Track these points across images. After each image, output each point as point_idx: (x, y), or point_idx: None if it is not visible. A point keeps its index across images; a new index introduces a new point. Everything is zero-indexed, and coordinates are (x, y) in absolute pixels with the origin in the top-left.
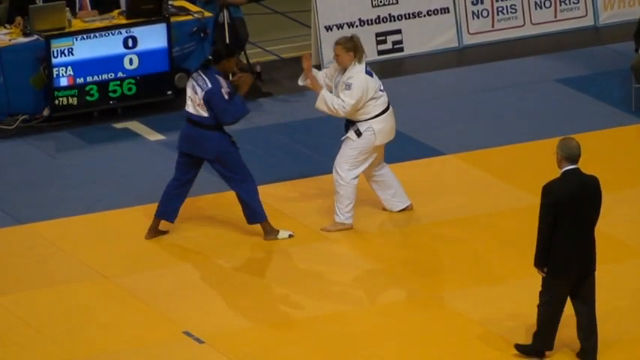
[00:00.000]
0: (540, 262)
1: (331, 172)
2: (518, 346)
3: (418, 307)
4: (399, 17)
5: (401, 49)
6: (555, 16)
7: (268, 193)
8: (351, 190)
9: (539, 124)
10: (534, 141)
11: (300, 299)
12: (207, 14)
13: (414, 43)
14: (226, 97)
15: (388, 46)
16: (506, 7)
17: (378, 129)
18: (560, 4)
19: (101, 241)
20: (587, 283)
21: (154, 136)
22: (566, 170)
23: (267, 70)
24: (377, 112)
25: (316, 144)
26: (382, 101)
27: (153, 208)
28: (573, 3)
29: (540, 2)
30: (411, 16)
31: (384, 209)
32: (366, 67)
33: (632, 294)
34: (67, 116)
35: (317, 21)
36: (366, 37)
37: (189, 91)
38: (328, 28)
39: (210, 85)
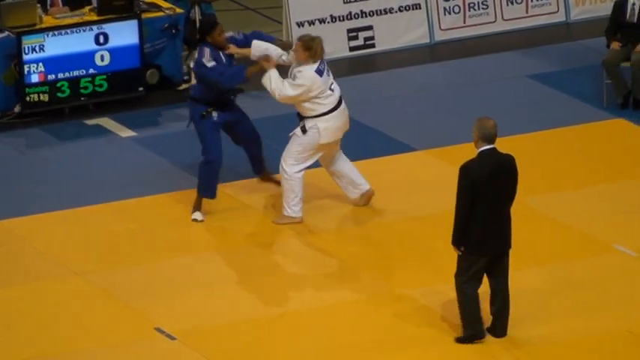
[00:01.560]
0: (458, 240)
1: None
2: (458, 339)
3: (372, 304)
4: (371, 13)
5: (372, 45)
6: (527, 12)
7: (239, 188)
8: (296, 184)
9: (510, 120)
10: (506, 137)
11: (268, 297)
12: (179, 11)
13: (385, 39)
14: (208, 65)
15: (360, 42)
16: (478, 3)
17: (323, 127)
18: (532, 0)
19: (73, 238)
20: (502, 261)
21: (126, 133)
22: (483, 150)
23: None
24: (323, 111)
25: (286, 140)
26: (330, 101)
27: (125, 204)
28: None
29: None
30: (383, 12)
31: (353, 203)
32: (319, 65)
33: (600, 289)
34: (38, 113)
35: (288, 17)
36: (338, 33)
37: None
38: (300, 24)
39: (196, 57)
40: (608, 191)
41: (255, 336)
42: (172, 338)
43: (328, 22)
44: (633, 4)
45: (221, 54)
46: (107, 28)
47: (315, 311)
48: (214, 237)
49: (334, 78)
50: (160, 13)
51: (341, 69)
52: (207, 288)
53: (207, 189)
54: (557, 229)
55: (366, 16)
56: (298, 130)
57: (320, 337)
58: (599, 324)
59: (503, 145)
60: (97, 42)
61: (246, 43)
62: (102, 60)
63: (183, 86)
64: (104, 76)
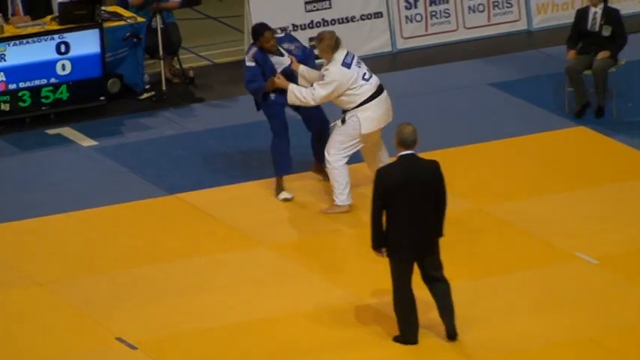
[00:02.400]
0: (376, 244)
1: (265, 178)
2: (395, 338)
3: (333, 311)
4: (333, 22)
5: None
6: (489, 21)
7: (202, 199)
8: (339, 173)
9: (473, 128)
10: (468, 145)
11: (233, 305)
12: (140, 19)
13: (347, 47)
14: (247, 63)
15: None
16: (440, 11)
17: (363, 117)
18: (494, 9)
19: (34, 248)
20: (431, 263)
21: (87, 142)
22: (402, 155)
23: (201, 76)
24: (360, 101)
25: (250, 149)
26: (364, 90)
27: (86, 214)
28: (507, 7)
29: (474, 6)
30: (345, 20)
31: None
32: (345, 59)
33: (561, 297)
34: (0, 122)
35: (250, 26)
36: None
37: None
38: None
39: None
40: (571, 199)
41: (217, 345)
42: (133, 348)
43: (290, 31)
44: (595, 12)
45: (269, 58)
46: (68, 37)
47: (278, 319)
48: (176, 246)
49: None
50: (122, 22)
51: None
52: (169, 297)
53: (281, 167)
54: (519, 237)
55: (327, 25)
56: (339, 122)
57: (284, 345)
58: (561, 332)
59: (466, 153)
60: (59, 51)
61: (303, 58)
62: (63, 69)
63: (145, 95)
64: (65, 86)
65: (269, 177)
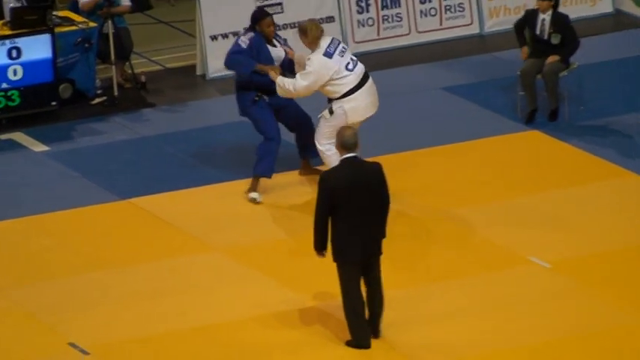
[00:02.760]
0: (318, 246)
1: (219, 182)
2: (348, 342)
3: (277, 315)
4: (284, 26)
5: None
6: (441, 25)
7: (155, 204)
8: (336, 158)
9: (426, 132)
10: (420, 149)
11: (185, 311)
12: (92, 24)
13: (299, 51)
14: (240, 42)
15: None
16: (392, 15)
17: (349, 107)
18: (446, 12)
19: None
20: (375, 265)
21: (39, 147)
22: (344, 158)
23: (152, 80)
24: (345, 91)
25: (201, 153)
26: (349, 80)
27: (39, 219)
28: (459, 11)
29: (426, 10)
30: (296, 25)
31: None
32: (327, 48)
33: (514, 301)
34: None
35: (202, 31)
36: None
37: None
38: (213, 38)
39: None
40: (524, 203)
41: (170, 350)
42: (86, 353)
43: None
44: (543, 19)
45: (267, 46)
46: (20, 42)
47: (230, 324)
48: (128, 251)
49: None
50: (73, 27)
51: None
52: (121, 302)
53: (264, 168)
54: (472, 241)
55: (279, 29)
56: (326, 112)
57: (236, 349)
58: (514, 337)
59: (418, 157)
60: (10, 56)
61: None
62: (15, 74)
63: (97, 100)
64: (17, 91)
65: (221, 181)
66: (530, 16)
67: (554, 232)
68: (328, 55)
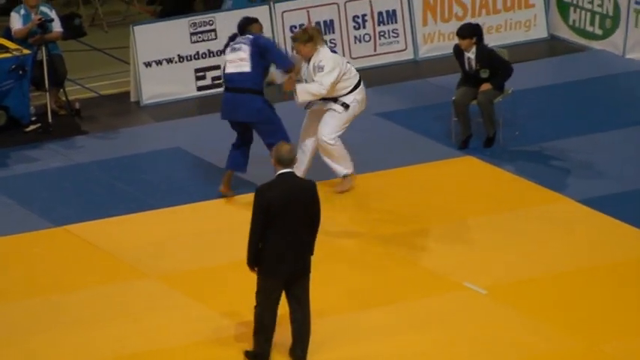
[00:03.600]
0: (251, 261)
1: (153, 209)
2: (246, 353)
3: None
4: (218, 53)
5: (220, 85)
6: (375, 50)
7: (90, 231)
8: (339, 146)
9: (360, 158)
10: (355, 175)
11: (122, 338)
12: (26, 51)
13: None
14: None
15: (207, 81)
16: (326, 41)
17: (360, 98)
18: (380, 38)
19: None
20: (301, 284)
21: None
22: (279, 173)
23: (87, 108)
24: (355, 84)
25: (136, 180)
26: (355, 72)
27: None
28: (393, 37)
29: (360, 36)
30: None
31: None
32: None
33: (448, 327)
34: None
35: (136, 57)
36: (185, 73)
37: (229, 55)
38: (147, 65)
39: (256, 38)
40: (458, 228)
41: None
42: None
43: (176, 62)
44: (468, 57)
45: None
46: None
47: (162, 351)
48: (62, 278)
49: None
50: (7, 55)
51: (188, 109)
52: (54, 330)
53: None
54: (407, 267)
55: (213, 56)
56: (339, 107)
57: None
58: None
59: (353, 183)
60: None
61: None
62: None
63: (31, 127)
64: None
65: (155, 208)
66: (457, 53)
67: (489, 257)
68: (333, 52)
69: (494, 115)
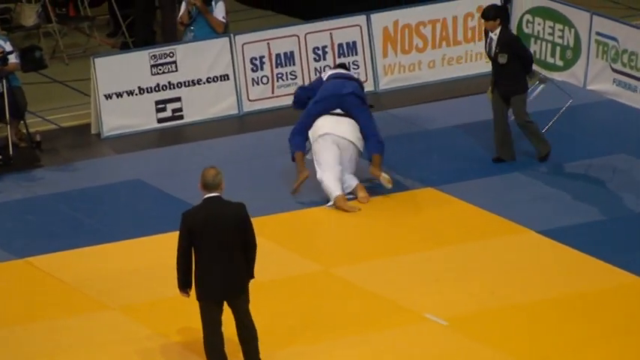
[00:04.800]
0: (181, 285)
1: (114, 241)
2: None
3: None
4: (179, 84)
5: (181, 117)
6: None
7: (51, 263)
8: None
9: (320, 190)
10: (314, 207)
11: None
12: None
13: (194, 110)
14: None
15: (168, 113)
16: (286, 73)
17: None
18: None
19: None
20: (238, 305)
21: None
22: (205, 197)
23: (47, 139)
24: None
25: (97, 212)
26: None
27: None
28: (353, 68)
29: (320, 68)
30: (191, 83)
31: None
32: None
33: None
34: None
35: (96, 89)
36: (146, 105)
37: None
38: (108, 97)
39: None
40: (418, 260)
41: None
42: None
43: (136, 94)
44: (491, 38)
45: None
46: None
47: None
48: (22, 310)
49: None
50: None
51: (149, 141)
52: None
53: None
54: (367, 298)
55: (174, 88)
56: None
57: None
58: None
59: (311, 215)
60: None
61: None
62: None
63: None
64: None
65: (116, 240)
66: (486, 35)
67: (449, 289)
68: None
69: (533, 128)
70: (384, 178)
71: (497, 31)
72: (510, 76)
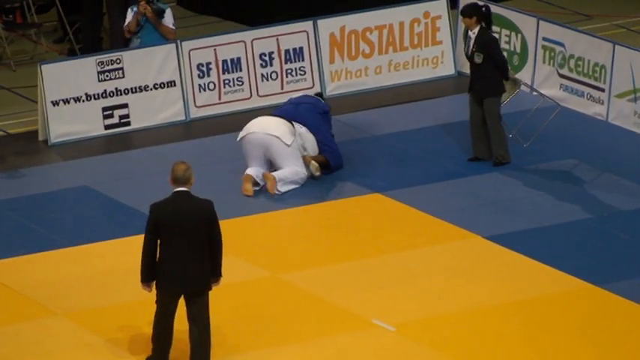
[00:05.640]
0: (144, 276)
1: (62, 247)
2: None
3: None
4: (126, 91)
5: (128, 123)
6: (282, 88)
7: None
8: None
9: (268, 195)
10: (263, 213)
11: None
12: None
13: (141, 116)
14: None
15: (115, 120)
16: (233, 79)
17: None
18: (287, 76)
19: None
20: (197, 302)
21: None
22: (174, 192)
23: None
24: None
25: (44, 219)
26: None
27: None
28: (300, 74)
29: (267, 74)
30: (138, 89)
31: None
32: None
33: None
34: None
35: (43, 96)
36: (93, 111)
37: None
38: (55, 103)
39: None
40: (366, 266)
41: None
42: None
43: (83, 101)
44: (469, 37)
45: None
46: None
47: None
48: None
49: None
50: None
51: (96, 148)
52: None
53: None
54: (315, 304)
55: (121, 94)
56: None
57: None
58: None
59: (261, 221)
60: None
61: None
62: None
63: None
64: None
65: (64, 247)
66: (465, 33)
67: (397, 295)
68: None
69: (500, 133)
70: (313, 165)
71: (476, 30)
72: (485, 77)
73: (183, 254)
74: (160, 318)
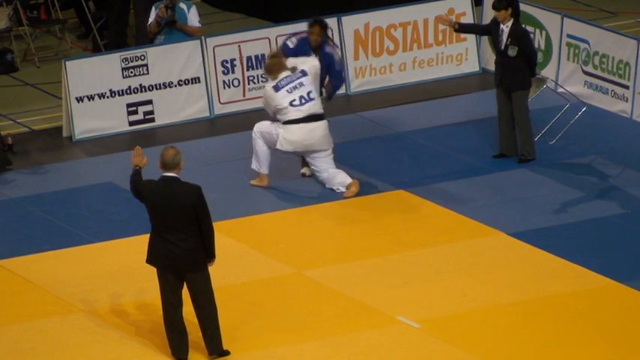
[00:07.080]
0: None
1: (86, 244)
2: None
3: None
4: (150, 87)
5: (152, 120)
6: None
7: (22, 265)
8: (255, 142)
9: (292, 192)
10: (288, 209)
11: None
12: None
13: (165, 113)
14: (289, 44)
15: (139, 116)
16: (257, 76)
17: (282, 136)
18: None
19: None
20: (195, 284)
21: None
22: (162, 176)
23: (19, 142)
24: (284, 120)
25: (68, 215)
26: (291, 115)
27: None
28: None
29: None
30: (162, 86)
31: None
32: (279, 81)
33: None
34: None
35: (68, 92)
36: (117, 107)
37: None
38: (79, 100)
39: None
40: (390, 262)
41: None
42: None
43: (108, 97)
44: (502, 30)
45: (308, 51)
46: None
47: None
48: None
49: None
50: None
51: (120, 144)
52: None
53: None
54: (340, 301)
55: (145, 91)
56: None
57: None
58: None
59: (285, 217)
60: None
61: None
62: None
63: None
64: None
65: (88, 243)
66: (493, 27)
67: (422, 291)
68: (275, 88)
69: (528, 128)
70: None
71: (509, 23)
72: (515, 71)
73: (170, 235)
74: (166, 307)
